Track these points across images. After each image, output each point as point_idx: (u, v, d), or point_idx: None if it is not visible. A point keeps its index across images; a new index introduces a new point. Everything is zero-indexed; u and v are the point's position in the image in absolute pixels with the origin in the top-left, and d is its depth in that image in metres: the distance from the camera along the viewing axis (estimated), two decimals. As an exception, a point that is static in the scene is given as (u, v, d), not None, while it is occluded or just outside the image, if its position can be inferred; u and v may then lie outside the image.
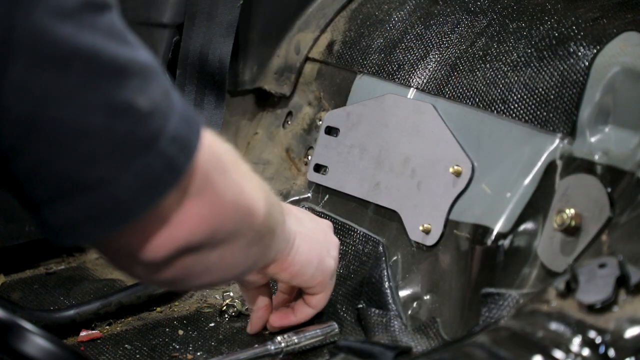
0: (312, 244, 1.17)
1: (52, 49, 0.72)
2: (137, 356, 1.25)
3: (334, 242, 1.23)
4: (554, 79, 1.21)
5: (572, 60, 1.20)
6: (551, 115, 1.19)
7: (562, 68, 1.20)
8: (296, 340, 1.22)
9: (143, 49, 0.78)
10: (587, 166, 1.12)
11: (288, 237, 1.12)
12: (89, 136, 0.73)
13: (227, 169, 0.87)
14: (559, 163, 1.16)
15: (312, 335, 1.24)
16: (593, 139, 1.14)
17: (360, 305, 1.29)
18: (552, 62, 1.22)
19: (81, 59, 0.73)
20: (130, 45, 0.77)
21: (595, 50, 1.18)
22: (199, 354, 1.25)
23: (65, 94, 0.73)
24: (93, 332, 1.31)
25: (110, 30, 0.75)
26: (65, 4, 0.72)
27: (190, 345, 1.27)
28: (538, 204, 1.16)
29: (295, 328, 1.25)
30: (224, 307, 1.35)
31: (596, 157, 1.12)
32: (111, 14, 0.76)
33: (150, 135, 0.76)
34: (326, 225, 1.24)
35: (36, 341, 0.83)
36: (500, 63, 1.28)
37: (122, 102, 0.74)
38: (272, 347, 1.21)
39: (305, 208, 1.42)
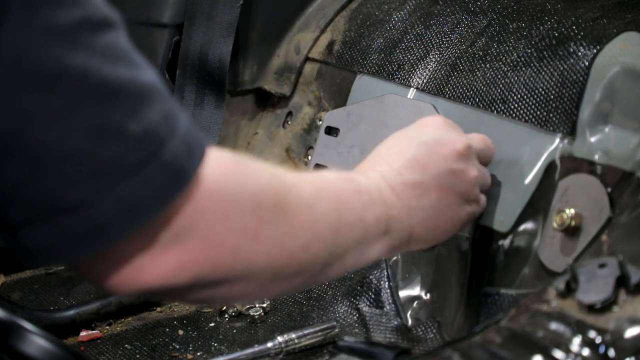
0: (436, 220, 1.06)
1: (37, 69, 0.70)
2: (137, 356, 1.25)
3: (469, 180, 1.08)
4: (554, 79, 1.21)
5: (572, 60, 1.20)
6: (551, 115, 1.19)
7: (562, 68, 1.20)
8: (296, 340, 1.22)
9: (147, 69, 0.76)
10: (587, 166, 1.12)
11: (394, 243, 1.02)
12: (71, 158, 0.71)
13: (236, 210, 0.80)
14: (559, 163, 1.16)
15: (312, 335, 1.24)
16: (593, 139, 1.14)
17: (360, 305, 1.29)
18: (552, 62, 1.22)
19: (68, 81, 0.71)
20: (131, 66, 0.75)
21: (595, 50, 1.18)
22: (199, 354, 1.25)
23: (48, 115, 0.71)
24: (93, 332, 1.31)
25: (107, 51, 0.73)
26: (58, 23, 0.71)
27: (190, 345, 1.27)
28: (538, 204, 1.16)
29: (297, 327, 1.25)
30: (224, 307, 1.35)
31: (596, 157, 1.12)
32: (112, 32, 0.74)
33: (138, 160, 0.73)
34: (452, 166, 1.07)
35: (36, 341, 0.83)
36: (500, 63, 1.28)
37: (109, 125, 0.72)
38: (272, 347, 1.21)
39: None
